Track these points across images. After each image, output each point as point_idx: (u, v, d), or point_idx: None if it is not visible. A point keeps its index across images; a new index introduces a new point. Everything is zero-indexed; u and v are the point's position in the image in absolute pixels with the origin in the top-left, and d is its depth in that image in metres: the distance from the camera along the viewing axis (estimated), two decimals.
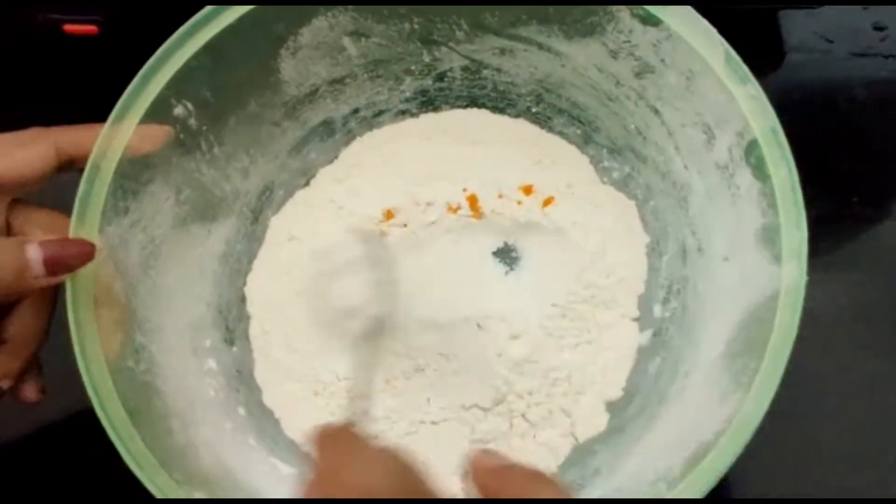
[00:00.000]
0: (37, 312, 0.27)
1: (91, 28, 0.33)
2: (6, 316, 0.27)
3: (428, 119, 0.38)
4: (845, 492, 0.32)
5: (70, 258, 0.25)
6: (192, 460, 0.26)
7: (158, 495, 0.23)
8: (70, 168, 0.27)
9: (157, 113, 0.29)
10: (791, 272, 0.26)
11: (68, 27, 0.33)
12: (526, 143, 0.37)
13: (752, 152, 0.28)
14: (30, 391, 0.27)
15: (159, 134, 0.29)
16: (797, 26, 0.41)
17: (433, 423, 0.32)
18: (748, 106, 0.28)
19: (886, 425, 0.33)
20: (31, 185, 0.26)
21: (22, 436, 0.33)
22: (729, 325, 0.28)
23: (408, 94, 0.38)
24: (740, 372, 0.26)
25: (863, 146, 0.38)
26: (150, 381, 0.28)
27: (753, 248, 0.28)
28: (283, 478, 0.30)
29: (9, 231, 0.27)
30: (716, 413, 0.26)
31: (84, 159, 0.27)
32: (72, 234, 0.27)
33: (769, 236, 0.27)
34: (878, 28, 0.41)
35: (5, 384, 0.27)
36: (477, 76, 0.37)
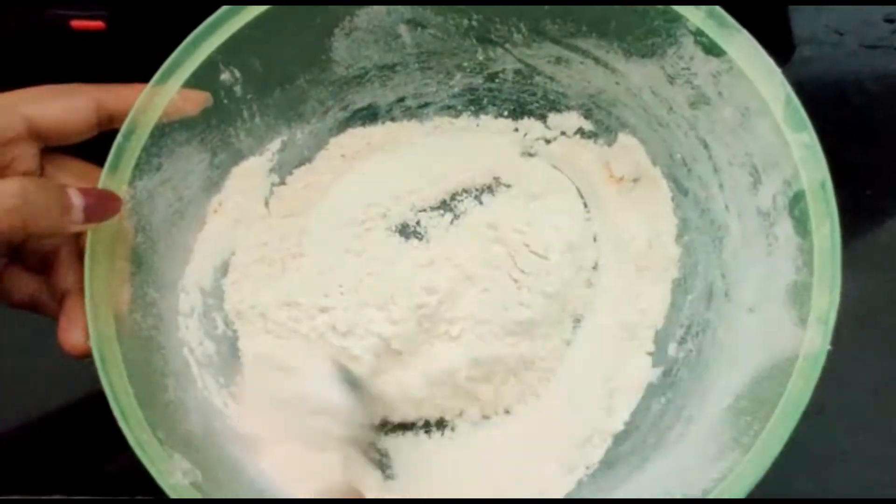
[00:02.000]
0: (82, 261, 0.27)
1: (98, 23, 0.33)
2: (53, 271, 0.28)
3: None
4: (860, 491, 0.32)
5: (104, 209, 0.26)
6: (180, 420, 0.27)
7: (138, 451, 0.24)
8: (110, 126, 0.28)
9: (204, 76, 0.30)
10: (814, 338, 0.24)
11: (75, 22, 0.33)
12: None
13: (796, 204, 0.27)
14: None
15: (199, 98, 0.29)
16: (808, 19, 0.41)
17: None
18: (801, 154, 0.27)
19: (892, 423, 0.33)
20: (69, 136, 0.27)
21: (26, 418, 0.34)
22: (741, 380, 0.27)
23: (456, 90, 0.37)
24: (743, 431, 0.25)
25: (874, 139, 0.38)
26: (155, 337, 0.28)
27: (781, 305, 0.27)
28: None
29: (41, 176, 0.27)
30: (709, 469, 0.25)
31: (125, 117, 0.28)
32: (101, 183, 0.27)
33: (799, 295, 0.26)
34: (889, 20, 0.41)
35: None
36: (529, 81, 0.36)
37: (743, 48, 0.28)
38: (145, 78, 0.28)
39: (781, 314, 0.26)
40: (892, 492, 0.32)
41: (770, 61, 0.28)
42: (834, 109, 0.38)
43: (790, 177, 0.27)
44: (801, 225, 0.26)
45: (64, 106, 0.27)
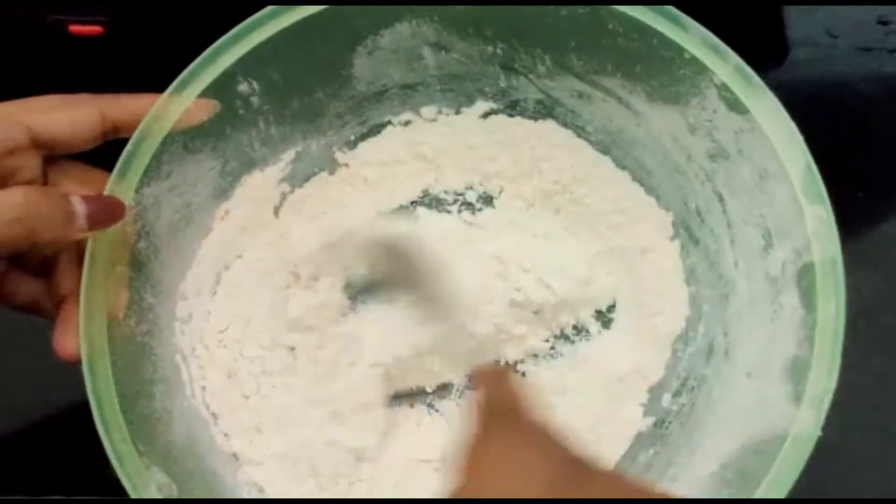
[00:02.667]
0: (82, 266, 0.27)
1: (96, 28, 0.33)
2: (53, 275, 0.28)
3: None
4: (859, 491, 0.32)
5: (108, 215, 0.26)
6: (163, 431, 0.27)
7: (115, 463, 0.24)
8: (115, 136, 0.28)
9: (222, 86, 0.30)
10: (806, 421, 0.24)
11: (73, 28, 0.32)
12: None
13: (805, 276, 0.26)
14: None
15: (208, 106, 0.29)
16: (801, 21, 0.40)
17: None
18: (814, 227, 0.26)
19: (890, 423, 0.33)
20: (73, 146, 0.27)
21: (26, 419, 0.34)
22: (730, 445, 0.27)
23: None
24: None
25: (868, 141, 0.38)
26: (147, 343, 0.29)
27: (778, 377, 0.26)
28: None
29: (45, 182, 0.27)
30: None
31: (129, 127, 0.28)
32: (108, 189, 0.27)
33: (797, 371, 0.25)
34: (883, 22, 0.40)
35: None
36: (549, 113, 0.36)
37: (767, 109, 0.27)
38: (142, 84, 0.28)
39: (777, 387, 0.26)
40: (892, 492, 0.32)
41: (793, 127, 0.27)
42: (828, 111, 0.38)
43: (802, 248, 0.26)
44: (808, 299, 0.26)
45: (68, 116, 0.26)
